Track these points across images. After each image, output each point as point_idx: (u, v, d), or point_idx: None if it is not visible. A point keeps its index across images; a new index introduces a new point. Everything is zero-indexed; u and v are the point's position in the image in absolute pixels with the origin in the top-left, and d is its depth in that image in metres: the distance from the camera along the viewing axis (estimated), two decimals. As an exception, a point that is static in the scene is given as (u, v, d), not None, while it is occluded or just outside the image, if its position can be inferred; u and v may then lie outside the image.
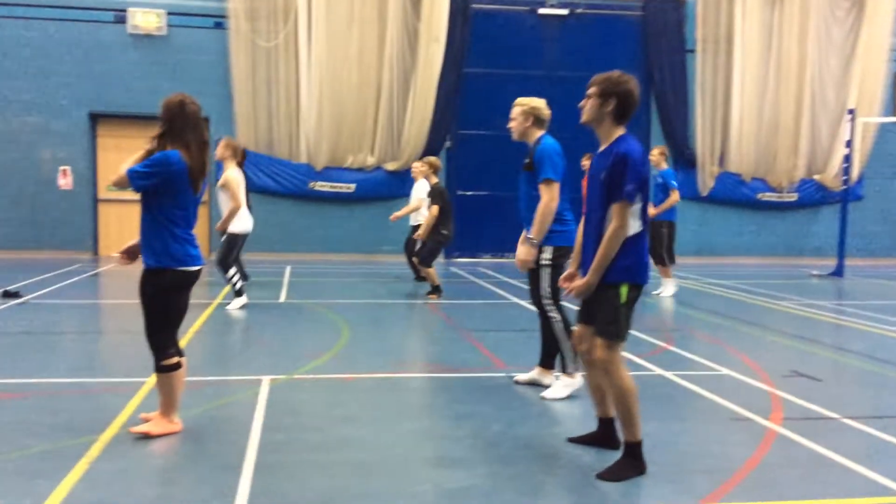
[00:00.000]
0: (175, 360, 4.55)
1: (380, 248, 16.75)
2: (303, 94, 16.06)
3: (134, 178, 4.33)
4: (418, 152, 16.02)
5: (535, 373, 5.98)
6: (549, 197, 5.45)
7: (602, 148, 4.19)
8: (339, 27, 16.06)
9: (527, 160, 5.67)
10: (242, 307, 9.34)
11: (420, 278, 12.22)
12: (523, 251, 5.58)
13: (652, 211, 10.92)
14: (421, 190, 11.80)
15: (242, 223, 9.45)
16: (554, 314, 5.66)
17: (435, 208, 10.61)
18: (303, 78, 16.02)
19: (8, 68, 15.37)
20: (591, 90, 4.16)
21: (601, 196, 4.08)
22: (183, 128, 4.44)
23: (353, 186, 16.55)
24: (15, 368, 6.19)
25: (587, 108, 4.17)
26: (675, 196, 11.11)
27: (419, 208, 11.44)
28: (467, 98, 17.07)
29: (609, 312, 4.07)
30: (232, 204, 9.06)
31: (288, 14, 15.95)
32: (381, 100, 16.38)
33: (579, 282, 4.16)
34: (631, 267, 4.06)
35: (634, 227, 4.06)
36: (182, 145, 4.42)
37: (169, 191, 4.39)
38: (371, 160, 16.51)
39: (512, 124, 5.79)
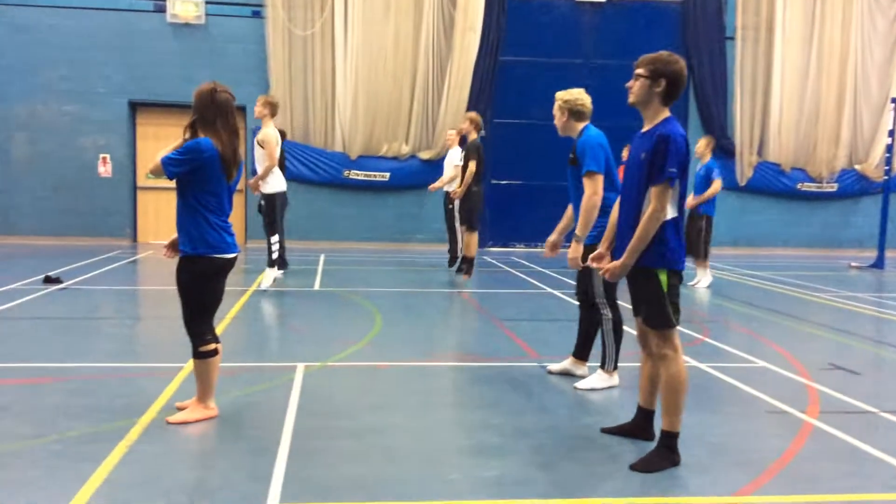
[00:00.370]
0: (212, 346, 4.61)
1: (413, 237, 16.80)
2: (338, 83, 16.12)
3: (167, 166, 4.39)
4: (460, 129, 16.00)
5: (567, 362, 5.97)
6: (592, 190, 5.35)
7: (645, 129, 4.14)
8: (376, 16, 16.08)
9: (571, 154, 5.58)
10: (275, 280, 9.39)
11: (454, 262, 12.24)
12: (571, 248, 5.49)
13: (691, 201, 10.79)
14: (455, 157, 11.79)
15: (276, 182, 9.54)
16: (605, 311, 5.58)
17: (473, 164, 10.55)
18: (338, 66, 16.08)
19: (49, 57, 15.62)
20: (640, 70, 4.08)
21: (640, 177, 4.03)
22: (214, 116, 4.47)
23: (387, 175, 16.60)
24: (56, 353, 6.32)
25: (635, 88, 4.11)
26: (716, 185, 10.90)
27: (456, 177, 11.43)
28: (503, 87, 17.00)
29: (654, 302, 4.04)
30: (267, 162, 9.20)
31: (325, 3, 16.00)
32: (417, 88, 16.38)
33: (614, 263, 4.13)
34: (667, 253, 4.02)
35: (670, 212, 4.01)
36: (213, 133, 4.46)
37: (201, 178, 4.44)
38: (405, 149, 16.54)
39: (555, 121, 5.71)
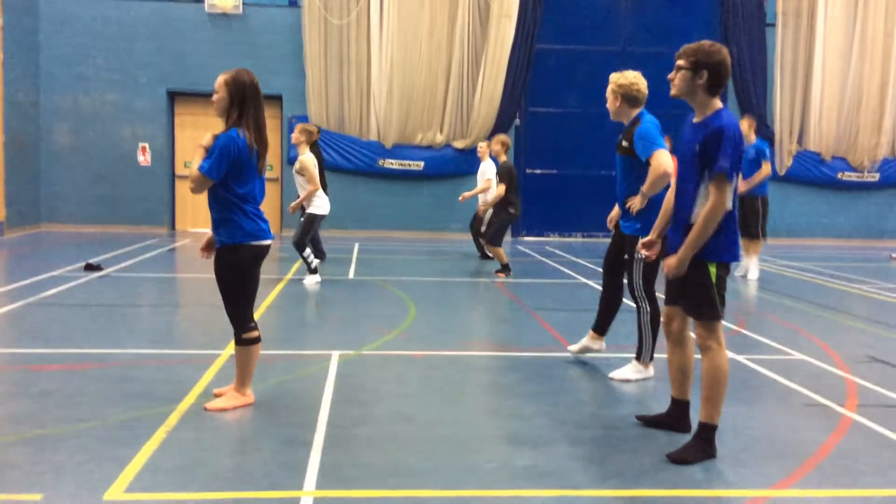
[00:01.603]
0: (256, 333, 4.67)
1: (448, 226, 16.81)
2: (373, 72, 16.15)
3: (210, 172, 4.40)
4: (487, 130, 15.99)
5: (586, 338, 5.94)
6: (657, 164, 5.10)
7: (696, 120, 4.05)
8: (411, 4, 16.07)
9: (623, 142, 5.38)
10: (316, 283, 9.52)
11: (485, 256, 12.28)
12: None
13: (743, 186, 10.65)
14: (488, 170, 11.83)
15: (321, 204, 9.69)
16: (644, 304, 5.52)
17: (502, 187, 10.58)
18: (374, 55, 16.11)
19: (90, 48, 15.85)
20: (681, 62, 4.00)
21: (695, 170, 3.95)
22: (243, 105, 4.49)
23: (421, 164, 16.62)
24: (97, 339, 6.45)
25: (677, 80, 4.03)
26: (766, 169, 10.77)
27: (488, 189, 11.49)
28: (538, 75, 16.91)
29: (701, 294, 3.99)
30: (310, 187, 9.39)
31: (360, -9, 16.05)
32: (451, 77, 16.36)
33: (672, 259, 4.01)
34: (719, 245, 3.96)
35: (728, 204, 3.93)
36: (244, 122, 4.49)
37: (235, 169, 4.46)
38: (440, 138, 16.54)
39: (608, 106, 5.49)
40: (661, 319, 4.46)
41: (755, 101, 17.03)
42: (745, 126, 11.13)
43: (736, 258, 4.06)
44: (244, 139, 4.45)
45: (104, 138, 16.09)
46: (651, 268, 5.37)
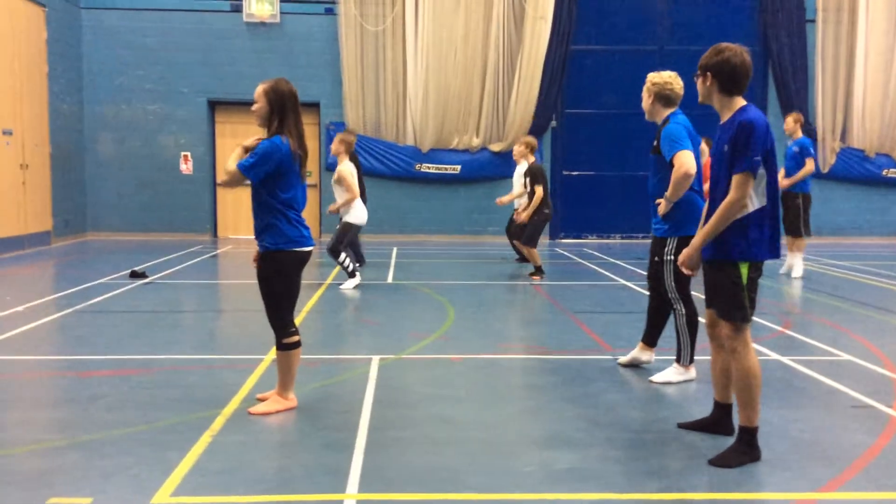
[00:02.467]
0: (296, 338, 4.74)
1: (485, 230, 16.82)
2: (409, 77, 16.24)
3: (249, 170, 4.48)
4: (524, 132, 15.97)
5: (636, 350, 5.91)
6: (680, 164, 5.07)
7: (723, 121, 4.07)
8: (446, 8, 16.13)
9: (655, 142, 5.36)
10: (355, 287, 9.58)
11: (523, 259, 12.26)
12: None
13: (784, 182, 10.50)
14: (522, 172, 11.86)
15: (358, 214, 9.75)
16: (679, 306, 5.48)
17: (540, 188, 10.57)
18: (409, 60, 16.20)
19: (132, 59, 16.18)
20: (697, 71, 4.12)
21: (727, 170, 3.93)
22: (284, 113, 4.57)
23: (458, 168, 16.65)
24: (143, 345, 6.57)
25: (698, 88, 4.12)
26: (809, 165, 10.59)
27: (524, 194, 11.50)
28: (574, 76, 16.86)
29: (731, 295, 3.96)
30: (348, 195, 9.47)
31: (395, -3, 16.16)
32: (487, 80, 16.38)
33: (684, 252, 4.14)
34: (750, 246, 3.92)
35: (755, 203, 3.91)
36: (286, 130, 4.57)
37: (278, 175, 4.54)
38: (476, 141, 16.56)
39: (643, 104, 5.49)
40: (704, 321, 4.41)
41: (796, 98, 16.78)
42: (791, 121, 10.99)
43: (772, 256, 4.01)
44: (287, 146, 4.53)
45: (147, 148, 16.40)
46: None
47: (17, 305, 8.20)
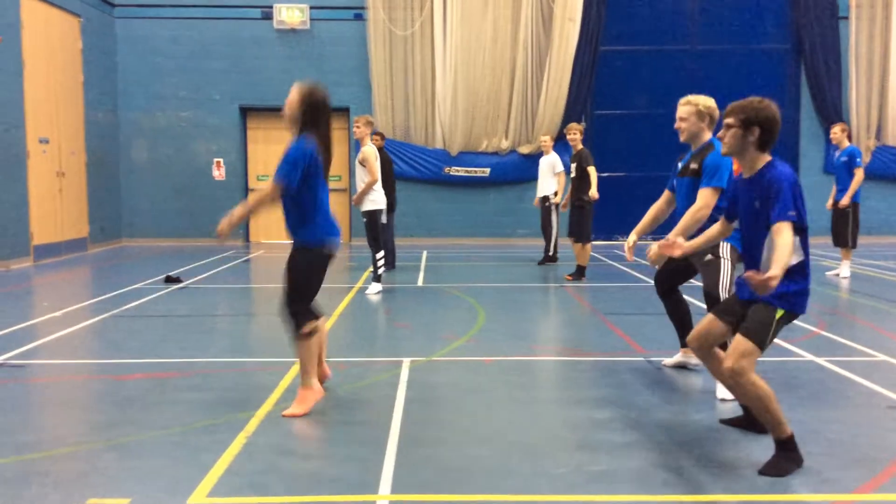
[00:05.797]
0: (314, 323, 4.82)
1: (514, 232, 16.81)
2: (438, 81, 16.29)
3: (284, 179, 4.59)
4: (553, 134, 15.91)
5: (680, 355, 5.87)
6: (704, 203, 5.05)
7: (747, 175, 4.01)
8: (474, 12, 16.16)
9: (693, 165, 5.23)
10: (378, 293, 9.57)
11: (549, 260, 12.31)
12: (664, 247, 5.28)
13: (844, 201, 10.56)
14: (557, 163, 12.01)
15: (377, 199, 9.74)
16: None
17: (594, 170, 10.84)
18: (438, 64, 16.25)
19: (165, 67, 16.41)
20: (730, 120, 3.96)
21: (760, 223, 3.90)
22: (315, 115, 4.73)
23: (487, 170, 16.65)
24: (178, 349, 6.66)
25: (727, 138, 3.99)
26: (859, 175, 10.57)
27: (561, 186, 11.65)
28: (603, 77, 16.78)
29: (760, 326, 3.86)
30: (368, 178, 9.47)
31: (424, 2, 16.21)
32: (516, 83, 16.37)
33: (761, 279, 3.68)
34: (792, 297, 3.86)
35: (795, 257, 3.82)
36: (314, 131, 4.71)
37: (308, 174, 4.67)
38: (505, 144, 16.56)
39: (682, 125, 5.28)
40: (698, 330, 4.29)
41: (829, 96, 16.56)
42: (839, 130, 10.97)
43: (803, 311, 3.95)
44: (312, 145, 4.66)
45: (180, 154, 16.62)
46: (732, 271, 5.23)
47: (55, 311, 8.35)
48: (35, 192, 13.00)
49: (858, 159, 10.62)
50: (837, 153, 10.87)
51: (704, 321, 4.25)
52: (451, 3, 16.11)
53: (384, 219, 10.09)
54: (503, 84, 16.40)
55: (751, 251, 4.04)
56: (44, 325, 7.61)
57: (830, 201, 10.98)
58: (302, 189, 4.68)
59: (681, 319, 5.75)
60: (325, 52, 16.47)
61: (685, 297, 5.87)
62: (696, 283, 5.81)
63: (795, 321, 4.03)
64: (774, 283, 3.60)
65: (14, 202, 12.37)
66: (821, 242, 12.40)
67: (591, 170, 10.86)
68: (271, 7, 16.28)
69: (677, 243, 4.30)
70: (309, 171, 4.66)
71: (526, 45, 16.29)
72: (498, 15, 16.22)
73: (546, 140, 12.59)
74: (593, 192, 10.89)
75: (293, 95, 4.73)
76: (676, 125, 5.30)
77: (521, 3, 16.18)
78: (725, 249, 5.22)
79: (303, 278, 4.80)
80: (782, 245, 3.71)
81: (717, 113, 5.24)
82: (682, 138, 5.33)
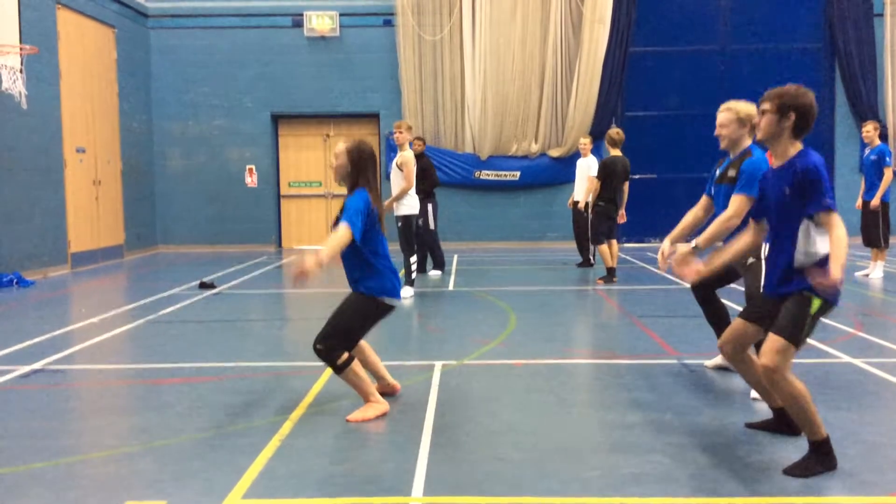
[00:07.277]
0: (345, 357, 4.77)
1: (545, 235, 16.77)
2: (467, 85, 16.32)
3: (357, 229, 4.68)
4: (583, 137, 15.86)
5: (720, 357, 5.81)
6: (735, 212, 4.96)
7: (777, 164, 4.00)
8: (503, 15, 16.17)
9: (731, 172, 5.15)
10: (410, 297, 9.61)
11: (585, 263, 12.25)
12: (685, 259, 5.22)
13: (874, 202, 10.46)
14: (593, 166, 11.99)
15: (411, 203, 9.82)
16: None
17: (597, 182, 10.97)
18: (467, 68, 16.28)
19: (198, 76, 16.64)
20: (767, 105, 3.97)
21: (791, 213, 3.87)
22: (365, 169, 4.90)
23: (517, 174, 16.64)
24: (212, 353, 6.74)
25: (763, 124, 3.98)
26: (889, 175, 10.44)
27: (591, 189, 11.65)
28: (634, 78, 16.69)
29: (796, 320, 3.82)
30: (405, 184, 9.56)
31: (452, 7, 16.25)
32: (545, 85, 16.35)
33: (825, 281, 3.72)
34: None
35: (826, 245, 3.80)
36: (366, 184, 4.88)
37: (370, 226, 4.82)
38: (535, 147, 16.54)
39: (722, 132, 5.20)
40: (728, 335, 4.27)
41: (865, 95, 16.32)
42: (871, 128, 10.85)
43: (836, 301, 3.89)
44: (367, 197, 4.82)
45: (213, 162, 16.82)
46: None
47: (92, 317, 8.50)
48: (72, 201, 13.24)
49: (888, 158, 10.49)
50: (867, 151, 10.74)
51: (734, 326, 4.22)
52: (480, 7, 16.13)
53: (431, 224, 10.32)
54: (532, 87, 16.39)
55: (778, 240, 4.00)
56: (81, 331, 7.75)
57: (859, 201, 10.85)
58: (364, 239, 4.78)
59: (720, 323, 5.69)
60: (354, 59, 16.58)
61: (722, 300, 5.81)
62: (738, 286, 5.76)
63: (831, 322, 3.97)
64: (840, 283, 3.67)
65: (52, 211, 12.61)
66: (853, 243, 12.20)
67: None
68: (301, 15, 16.43)
69: (696, 271, 4.31)
70: (372, 223, 4.80)
71: (555, 48, 16.26)
72: (527, 18, 16.22)
73: (585, 143, 12.45)
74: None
75: (339, 151, 4.92)
76: (716, 132, 5.23)
77: (550, 6, 16.16)
78: (767, 251, 5.16)
79: (352, 323, 4.85)
80: (839, 238, 3.72)
81: (755, 120, 5.08)
82: (721, 145, 5.26)
